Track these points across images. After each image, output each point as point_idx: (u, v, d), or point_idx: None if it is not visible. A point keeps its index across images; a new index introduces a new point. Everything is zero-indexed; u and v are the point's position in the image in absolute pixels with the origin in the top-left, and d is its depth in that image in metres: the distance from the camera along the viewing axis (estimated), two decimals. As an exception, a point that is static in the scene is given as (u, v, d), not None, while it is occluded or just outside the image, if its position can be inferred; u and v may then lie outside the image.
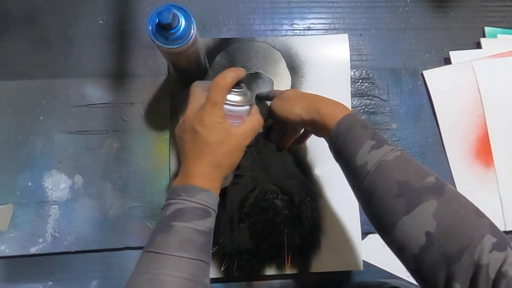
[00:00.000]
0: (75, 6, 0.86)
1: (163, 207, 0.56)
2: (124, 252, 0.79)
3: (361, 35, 0.89)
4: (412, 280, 0.70)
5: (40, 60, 0.83)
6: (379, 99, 0.86)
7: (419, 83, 0.87)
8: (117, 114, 0.82)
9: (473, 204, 0.47)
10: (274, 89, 0.84)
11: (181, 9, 0.63)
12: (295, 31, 0.88)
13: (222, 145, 0.57)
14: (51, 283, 0.78)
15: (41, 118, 0.81)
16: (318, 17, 0.89)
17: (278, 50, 0.85)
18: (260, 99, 0.81)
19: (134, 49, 0.85)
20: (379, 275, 0.81)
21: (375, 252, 0.81)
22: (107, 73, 0.84)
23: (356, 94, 0.86)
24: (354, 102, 0.86)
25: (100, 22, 0.85)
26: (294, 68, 0.85)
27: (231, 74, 0.58)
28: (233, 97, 0.60)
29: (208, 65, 0.83)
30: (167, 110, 0.82)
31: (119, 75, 0.83)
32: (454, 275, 0.42)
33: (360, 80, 0.87)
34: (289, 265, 0.79)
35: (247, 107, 0.62)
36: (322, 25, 0.89)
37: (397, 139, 0.85)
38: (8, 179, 0.79)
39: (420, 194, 0.47)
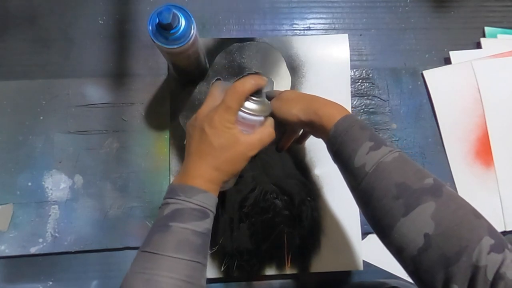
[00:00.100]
0: (75, 6, 0.86)
1: (161, 205, 0.56)
2: (124, 252, 0.79)
3: (361, 35, 0.89)
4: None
5: (40, 60, 0.83)
6: (379, 99, 0.86)
7: (419, 83, 0.87)
8: (117, 114, 0.82)
9: (471, 206, 0.47)
10: (274, 89, 0.84)
11: (181, 9, 0.63)
12: (295, 31, 0.88)
13: (226, 150, 0.56)
14: (51, 283, 0.78)
15: (41, 118, 0.81)
16: (318, 17, 0.89)
17: (278, 50, 0.85)
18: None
19: (134, 49, 0.85)
20: (379, 275, 0.81)
21: (375, 252, 0.81)
22: (107, 73, 0.84)
23: (356, 94, 0.86)
24: (354, 102, 0.86)
25: (100, 22, 0.85)
26: (294, 68, 0.85)
27: (251, 82, 0.57)
28: (249, 105, 0.59)
29: (208, 65, 0.83)
30: (167, 110, 0.82)
31: (119, 75, 0.84)
32: (452, 277, 0.42)
33: (360, 80, 0.87)
34: (289, 265, 0.79)
35: (261, 118, 0.61)
36: (322, 25, 0.89)
37: (397, 139, 0.85)
38: (8, 179, 0.79)
39: (418, 195, 0.47)
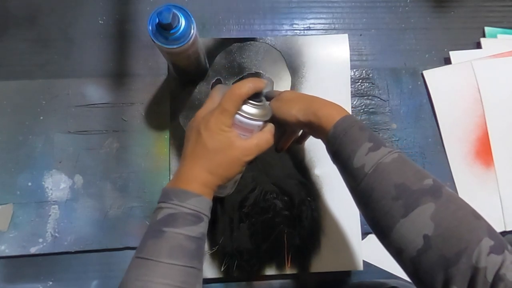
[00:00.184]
0: (75, 6, 0.86)
1: (154, 209, 0.55)
2: (124, 252, 0.79)
3: (361, 35, 0.89)
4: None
5: (40, 60, 0.83)
6: (379, 99, 0.86)
7: (419, 83, 0.87)
8: (117, 114, 0.82)
9: (470, 207, 0.47)
10: (274, 89, 0.83)
11: (181, 9, 0.63)
12: (295, 31, 0.88)
13: (220, 154, 0.56)
14: (51, 283, 0.78)
15: (41, 118, 0.81)
16: (318, 17, 0.89)
17: (278, 50, 0.85)
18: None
19: (134, 49, 0.85)
20: (379, 275, 0.81)
21: (375, 252, 0.81)
22: (107, 73, 0.84)
23: (356, 94, 0.86)
24: (354, 102, 0.86)
25: (100, 22, 0.85)
26: (294, 68, 0.85)
27: (249, 85, 0.56)
28: (248, 109, 0.58)
29: (208, 65, 0.83)
30: (167, 110, 0.82)
31: (119, 75, 0.84)
32: (452, 278, 0.42)
33: (360, 80, 0.87)
34: (289, 265, 0.79)
35: (260, 123, 0.60)
36: (322, 25, 0.89)
37: (397, 139, 0.85)
38: (8, 179, 0.79)
39: (418, 196, 0.47)
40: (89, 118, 0.82)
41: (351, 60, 0.86)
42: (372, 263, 0.81)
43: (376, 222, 0.51)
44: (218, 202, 0.80)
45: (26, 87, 0.82)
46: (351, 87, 0.85)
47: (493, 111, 0.85)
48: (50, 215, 0.78)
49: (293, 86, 0.85)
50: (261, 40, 0.85)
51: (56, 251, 0.78)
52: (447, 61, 0.88)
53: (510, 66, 0.86)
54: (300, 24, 0.89)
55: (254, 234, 0.80)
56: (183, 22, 0.62)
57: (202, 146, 0.56)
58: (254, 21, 0.88)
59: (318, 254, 0.80)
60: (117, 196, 0.80)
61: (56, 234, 0.78)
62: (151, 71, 0.84)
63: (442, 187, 0.48)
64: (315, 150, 0.83)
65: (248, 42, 0.85)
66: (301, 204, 0.81)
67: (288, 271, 0.79)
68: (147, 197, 0.80)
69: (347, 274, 0.82)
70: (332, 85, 0.85)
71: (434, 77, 0.86)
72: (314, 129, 0.61)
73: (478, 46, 0.89)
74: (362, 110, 0.86)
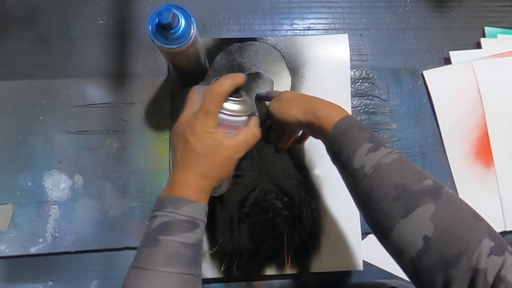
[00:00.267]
0: (75, 6, 0.85)
1: (149, 218, 0.54)
2: (124, 252, 0.79)
3: (361, 35, 0.89)
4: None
5: (40, 60, 0.83)
6: (379, 99, 0.86)
7: (419, 83, 0.87)
8: (117, 114, 0.82)
9: (470, 207, 0.47)
10: (274, 89, 0.84)
11: (181, 9, 0.63)
12: (295, 31, 0.88)
13: (211, 156, 0.55)
14: (51, 283, 0.78)
15: (41, 118, 0.81)
16: (318, 17, 0.89)
17: (278, 50, 0.85)
18: (259, 100, 0.81)
19: (134, 49, 0.85)
20: (379, 275, 0.81)
21: (375, 252, 0.81)
22: (107, 73, 0.83)
23: (356, 94, 0.86)
24: (354, 102, 0.86)
25: (100, 22, 0.85)
26: (294, 68, 0.85)
27: (228, 82, 0.56)
28: (229, 106, 0.58)
29: (208, 65, 0.83)
30: (167, 110, 0.82)
31: (119, 75, 0.83)
32: (452, 280, 0.42)
33: (360, 80, 0.87)
34: (289, 265, 0.79)
35: (244, 118, 0.60)
36: (322, 25, 0.89)
37: (397, 139, 0.85)
38: (8, 179, 0.79)
39: (418, 197, 0.47)
40: (89, 118, 0.82)
41: (351, 60, 0.86)
42: (372, 263, 0.81)
43: (376, 223, 0.51)
44: (218, 202, 0.80)
45: (26, 87, 0.82)
46: (351, 87, 0.85)
47: (493, 111, 0.85)
48: (50, 215, 0.78)
49: (293, 86, 0.85)
50: (261, 40, 0.85)
51: (56, 251, 0.78)
52: (447, 61, 0.88)
53: (510, 66, 0.86)
54: (300, 24, 0.88)
55: (254, 234, 0.80)
56: (183, 22, 0.62)
57: (191, 151, 0.55)
58: (254, 21, 0.88)
59: (318, 254, 0.80)
60: (117, 196, 0.80)
61: (56, 234, 0.78)
62: (151, 71, 0.84)
63: (442, 188, 0.48)
64: (315, 150, 0.83)
65: (248, 42, 0.85)
66: (301, 204, 0.81)
67: (288, 271, 0.79)
68: (147, 197, 0.80)
69: (347, 274, 0.82)
70: (332, 85, 0.85)
71: (434, 77, 0.86)
72: (314, 129, 0.61)
73: (478, 46, 0.89)
74: (362, 110, 0.86)
